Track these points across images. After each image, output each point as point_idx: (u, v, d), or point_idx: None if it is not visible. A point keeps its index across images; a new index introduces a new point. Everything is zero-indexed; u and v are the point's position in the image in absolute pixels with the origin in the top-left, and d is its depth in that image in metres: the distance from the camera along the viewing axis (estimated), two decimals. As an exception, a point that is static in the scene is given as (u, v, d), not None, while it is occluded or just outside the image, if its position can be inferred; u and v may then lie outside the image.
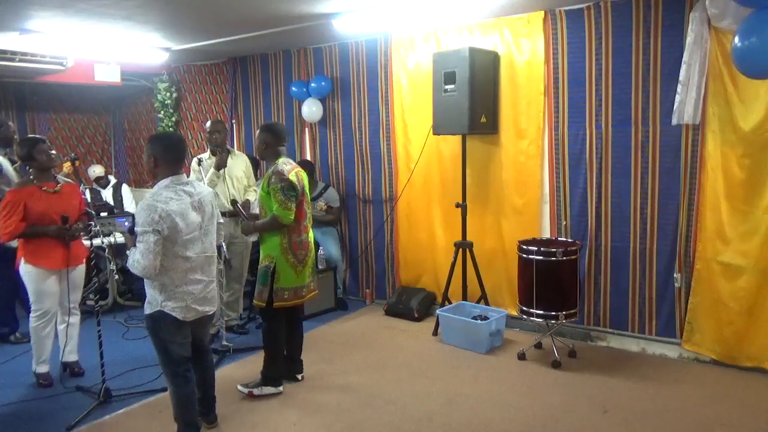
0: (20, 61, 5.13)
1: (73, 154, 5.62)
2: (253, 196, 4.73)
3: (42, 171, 3.75)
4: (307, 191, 3.75)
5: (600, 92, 4.23)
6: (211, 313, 3.07)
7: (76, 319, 4.00)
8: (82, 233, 3.85)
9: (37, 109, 6.92)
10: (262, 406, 3.58)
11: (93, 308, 3.62)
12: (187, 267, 2.84)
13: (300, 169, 3.72)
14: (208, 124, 4.79)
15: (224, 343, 4.33)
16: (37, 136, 3.93)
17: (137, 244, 2.73)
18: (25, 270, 3.73)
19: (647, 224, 4.17)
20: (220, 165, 4.56)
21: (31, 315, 3.82)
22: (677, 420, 3.28)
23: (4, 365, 4.31)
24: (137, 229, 2.72)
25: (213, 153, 4.67)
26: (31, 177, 3.76)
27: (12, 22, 4.20)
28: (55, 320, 3.92)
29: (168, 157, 2.85)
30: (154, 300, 2.86)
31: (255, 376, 3.84)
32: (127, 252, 2.87)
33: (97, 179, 6.35)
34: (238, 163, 4.78)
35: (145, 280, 2.87)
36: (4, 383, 3.98)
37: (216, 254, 3.08)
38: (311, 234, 3.79)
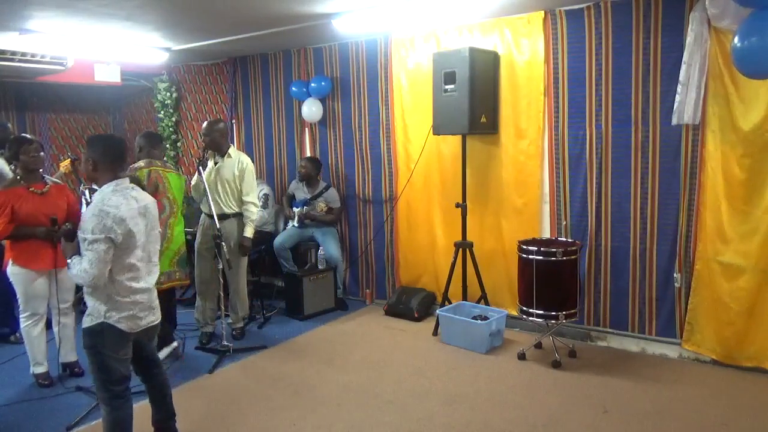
0: (20, 61, 5.12)
1: (73, 155, 5.61)
2: (250, 231, 4.54)
3: (28, 172, 3.75)
4: (172, 189, 4.27)
5: (600, 92, 4.23)
6: (156, 323, 2.89)
7: (69, 319, 3.99)
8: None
9: (37, 109, 6.91)
10: (263, 406, 3.58)
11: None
12: (132, 275, 2.69)
13: (158, 169, 4.25)
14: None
15: (224, 343, 4.33)
16: (26, 136, 3.92)
17: (85, 252, 2.55)
18: (13, 272, 3.74)
19: (647, 224, 4.17)
20: (201, 163, 4.47)
21: (21, 316, 3.84)
22: (677, 420, 3.28)
23: (4, 365, 4.31)
24: (86, 236, 2.54)
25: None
26: (19, 178, 3.76)
27: (12, 22, 4.19)
28: (46, 321, 3.92)
29: (108, 159, 2.68)
30: (96, 311, 2.65)
31: (255, 377, 3.84)
32: (68, 261, 2.68)
33: None
34: (230, 166, 4.56)
35: (85, 291, 2.69)
36: (4, 383, 3.99)
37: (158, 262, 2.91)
38: (177, 228, 4.30)
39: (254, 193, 4.66)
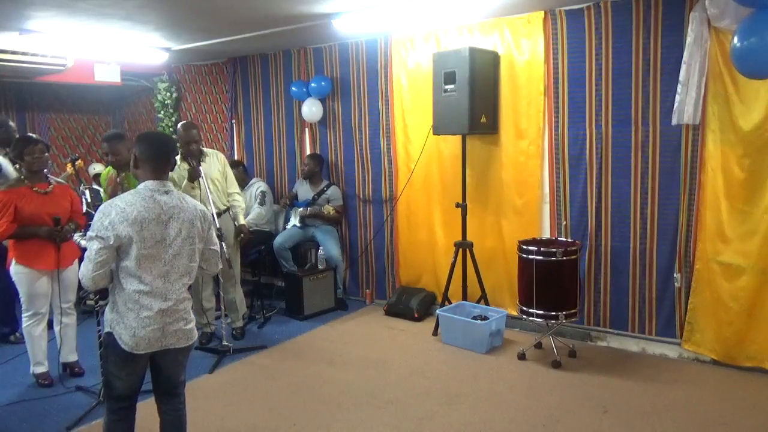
0: (20, 61, 5.13)
1: (73, 155, 5.61)
2: (242, 218, 4.66)
3: (32, 172, 3.75)
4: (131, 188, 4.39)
5: (600, 92, 4.23)
6: (180, 347, 2.52)
7: (71, 319, 4.00)
8: (73, 234, 3.85)
9: (37, 109, 6.91)
10: (263, 406, 3.58)
11: (93, 308, 3.62)
12: (140, 289, 2.38)
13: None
14: (181, 129, 4.40)
15: (224, 343, 4.33)
16: (33, 136, 3.91)
17: None
18: (16, 271, 3.75)
19: (647, 224, 4.17)
20: (194, 176, 4.26)
21: (23, 316, 3.84)
22: (677, 420, 3.28)
23: (4, 365, 4.31)
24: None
25: (184, 158, 4.31)
26: (23, 177, 3.77)
27: (12, 22, 4.20)
28: (48, 320, 3.93)
29: (148, 158, 2.50)
30: (107, 318, 2.47)
31: (255, 377, 3.83)
32: None
33: (96, 176, 6.35)
34: (214, 164, 4.53)
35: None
36: (4, 383, 3.99)
37: (190, 280, 2.58)
38: None
39: (236, 182, 4.82)
